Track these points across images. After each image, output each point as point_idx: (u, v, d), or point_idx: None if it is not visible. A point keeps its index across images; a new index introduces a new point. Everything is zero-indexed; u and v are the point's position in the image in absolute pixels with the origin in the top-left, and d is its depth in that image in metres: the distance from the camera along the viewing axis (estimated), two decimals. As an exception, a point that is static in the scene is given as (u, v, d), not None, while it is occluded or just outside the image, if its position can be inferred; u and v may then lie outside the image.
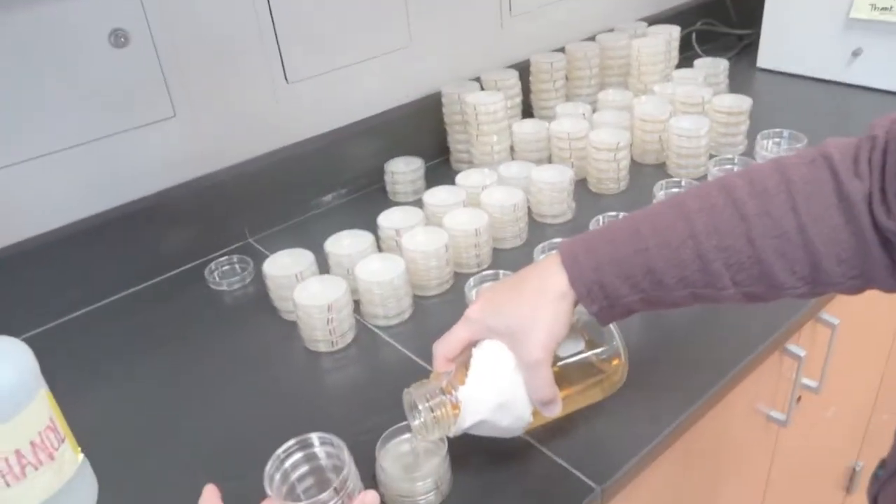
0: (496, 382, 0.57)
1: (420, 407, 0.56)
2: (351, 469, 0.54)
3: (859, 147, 0.51)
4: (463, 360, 0.59)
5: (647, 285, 0.54)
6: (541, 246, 0.86)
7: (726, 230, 0.52)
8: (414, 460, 0.60)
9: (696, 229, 0.53)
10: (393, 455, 0.61)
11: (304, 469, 0.56)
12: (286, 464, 0.55)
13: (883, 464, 0.30)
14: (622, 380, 0.63)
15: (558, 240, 0.87)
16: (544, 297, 0.56)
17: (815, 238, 0.50)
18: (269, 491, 0.52)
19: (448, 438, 0.59)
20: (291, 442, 0.55)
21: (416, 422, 0.57)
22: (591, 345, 0.61)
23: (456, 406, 0.56)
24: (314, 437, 0.56)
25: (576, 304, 0.57)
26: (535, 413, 0.58)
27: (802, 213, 0.50)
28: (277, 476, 0.54)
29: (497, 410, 0.56)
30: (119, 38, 0.84)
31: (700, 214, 0.53)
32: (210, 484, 0.52)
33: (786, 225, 0.51)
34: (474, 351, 0.58)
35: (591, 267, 0.55)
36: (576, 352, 0.60)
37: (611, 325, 0.61)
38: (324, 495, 0.51)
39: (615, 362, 0.62)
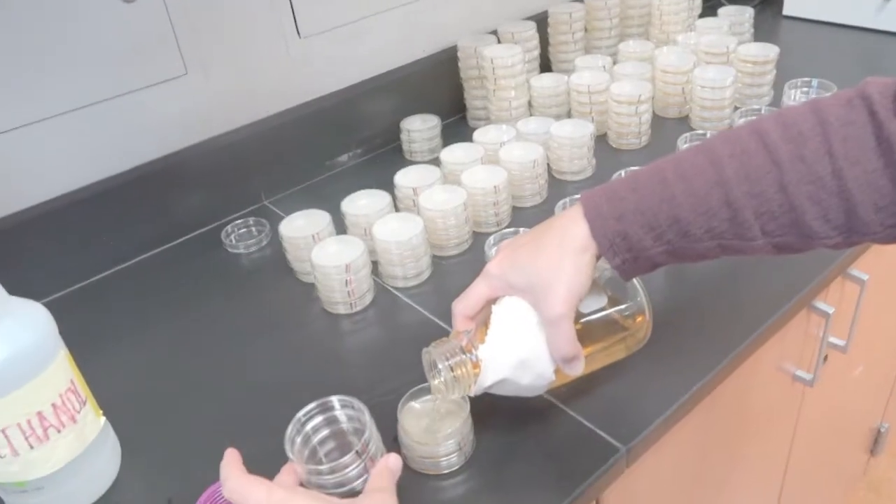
0: (517, 340, 0.55)
1: (440, 366, 0.55)
2: (372, 432, 0.53)
3: None
4: (483, 317, 0.58)
5: (673, 236, 0.52)
6: (561, 203, 0.84)
7: (757, 176, 0.49)
8: (435, 421, 0.59)
9: (726, 175, 0.50)
10: (415, 416, 0.60)
11: (325, 432, 0.56)
12: (307, 427, 0.55)
13: None
14: (646, 337, 0.61)
15: (578, 196, 0.85)
16: (565, 251, 0.54)
17: (851, 183, 0.47)
18: (290, 454, 0.52)
19: (470, 399, 0.58)
20: (312, 405, 0.55)
21: (436, 381, 0.56)
22: (613, 301, 0.59)
23: (476, 365, 0.55)
24: (335, 399, 0.55)
25: (598, 257, 0.55)
26: (557, 371, 0.56)
27: (839, 157, 0.48)
28: (298, 439, 0.54)
29: (518, 368, 0.55)
30: (127, -6, 0.82)
31: (730, 160, 0.50)
32: (231, 448, 0.51)
33: (820, 170, 0.48)
34: (494, 308, 0.57)
35: (614, 217, 0.53)
36: (598, 308, 0.59)
37: (634, 281, 0.60)
38: (345, 458, 0.50)
39: (639, 319, 0.60)
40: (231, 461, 0.49)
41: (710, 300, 0.74)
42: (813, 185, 0.48)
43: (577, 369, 0.56)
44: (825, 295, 0.84)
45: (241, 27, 0.92)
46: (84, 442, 0.58)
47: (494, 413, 0.61)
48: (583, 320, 0.57)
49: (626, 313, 0.60)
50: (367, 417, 0.54)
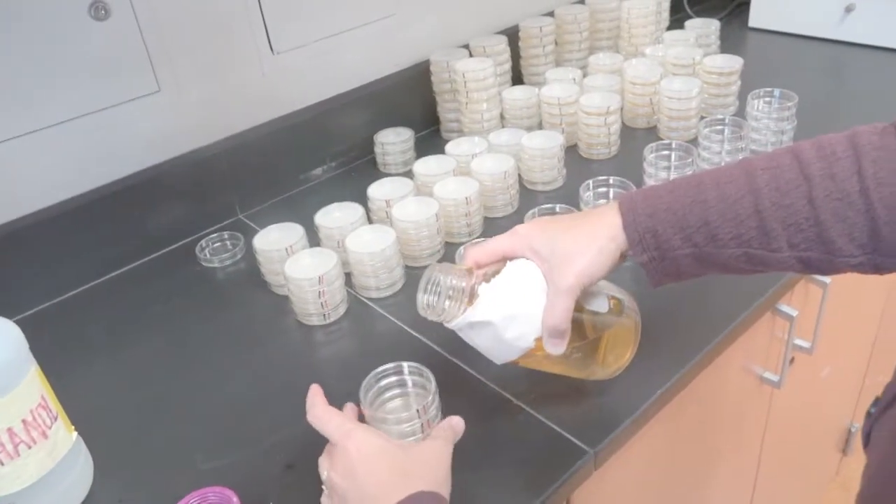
0: (518, 294, 0.57)
1: (441, 281, 0.57)
2: (435, 398, 0.58)
3: None
4: (492, 270, 0.59)
5: (701, 239, 0.54)
6: (530, 212, 0.86)
7: (787, 188, 0.52)
8: (403, 404, 0.62)
9: (758, 185, 0.52)
10: (380, 401, 0.63)
11: (395, 391, 0.62)
12: (381, 382, 0.61)
13: (876, 401, 0.30)
14: (615, 374, 0.63)
15: (548, 206, 0.86)
16: (595, 234, 0.56)
17: (876, 203, 0.49)
18: (362, 401, 0.58)
19: (440, 401, 0.59)
20: (388, 365, 0.61)
21: (428, 297, 0.58)
22: (613, 313, 0.61)
23: (472, 299, 0.57)
24: (405, 365, 0.61)
25: (624, 254, 0.57)
26: (536, 345, 0.57)
27: (867, 177, 0.50)
28: (371, 391, 0.60)
29: (507, 319, 0.56)
30: (99, 11, 0.82)
31: (764, 172, 0.53)
32: (315, 384, 0.58)
33: (849, 188, 0.50)
34: (508, 263, 0.59)
35: (647, 213, 0.55)
36: (599, 311, 0.60)
37: (635, 316, 0.61)
38: (405, 414, 0.57)
39: (618, 352, 0.61)
40: (316, 393, 0.57)
41: (675, 305, 0.75)
42: (840, 202, 0.50)
43: (558, 348, 0.57)
44: (789, 298, 0.86)
45: (215, 44, 0.93)
46: (55, 458, 0.58)
47: (465, 418, 0.62)
48: (579, 312, 0.58)
49: (615, 327, 0.61)
50: (432, 384, 0.58)
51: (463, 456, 0.60)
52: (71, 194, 0.87)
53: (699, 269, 0.56)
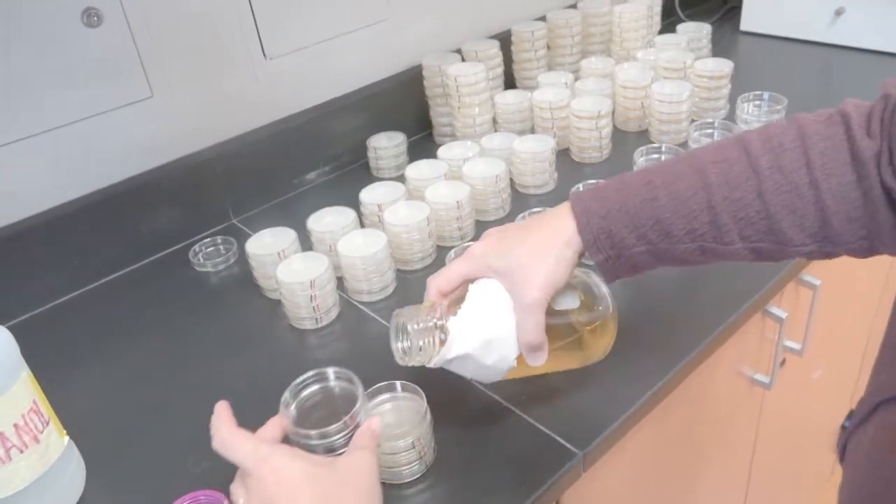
0: (488, 319, 0.56)
1: (409, 329, 0.56)
2: (363, 405, 0.55)
3: (874, 106, 0.51)
4: (457, 296, 0.59)
5: (655, 236, 0.54)
6: (521, 216, 0.86)
7: (737, 182, 0.52)
8: (396, 421, 0.61)
9: (708, 181, 0.53)
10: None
11: (318, 398, 0.58)
12: (303, 393, 0.58)
13: (851, 415, 0.31)
14: (608, 349, 0.63)
15: (539, 209, 0.87)
16: (550, 242, 0.56)
17: (825, 194, 0.50)
18: (283, 415, 0.54)
19: (430, 407, 0.59)
20: (310, 373, 0.58)
21: (401, 344, 0.57)
22: (586, 306, 0.61)
23: (443, 339, 0.56)
24: (330, 371, 0.58)
25: (581, 254, 0.57)
26: (519, 360, 0.57)
27: (815, 169, 0.50)
28: (293, 403, 0.57)
29: (483, 347, 0.56)
30: (92, 18, 0.83)
31: (713, 167, 0.53)
32: (222, 400, 0.54)
33: (797, 180, 0.51)
34: (471, 287, 0.58)
35: (600, 215, 0.55)
36: (570, 308, 0.60)
37: (607, 295, 0.61)
38: (334, 426, 0.53)
39: (605, 328, 0.62)
40: (222, 415, 0.52)
41: (665, 307, 0.76)
42: (789, 194, 0.51)
43: (539, 360, 0.57)
44: (779, 300, 0.87)
45: (207, 49, 0.94)
46: (47, 462, 0.58)
47: (454, 422, 0.63)
48: (553, 316, 0.58)
49: (595, 324, 0.62)
50: (360, 390, 0.56)
51: (451, 459, 0.61)
52: (64, 199, 0.88)
53: (655, 263, 0.57)
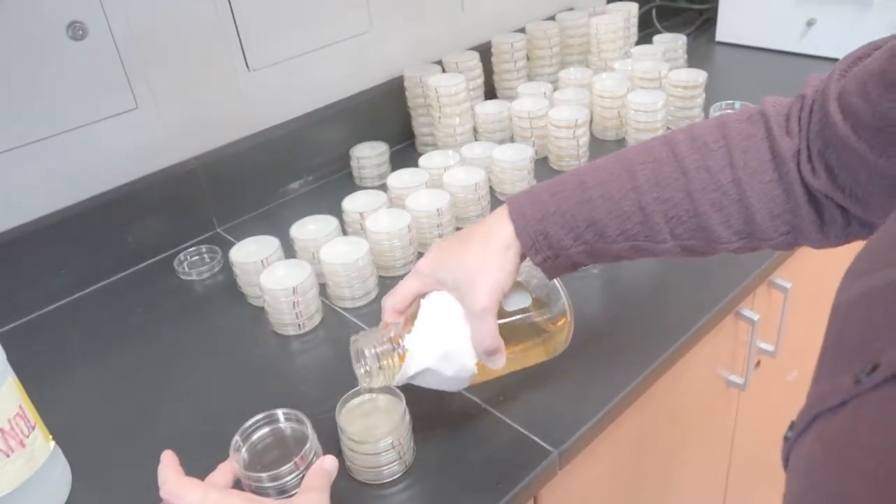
0: (442, 332, 0.58)
1: (367, 353, 0.57)
2: (314, 444, 0.56)
3: (792, 105, 0.53)
4: (412, 312, 0.60)
5: (590, 237, 0.56)
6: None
7: (667, 182, 0.54)
8: (375, 422, 0.62)
9: (639, 182, 0.54)
10: (353, 417, 0.63)
11: (269, 441, 0.58)
12: (253, 437, 0.58)
13: (792, 426, 0.32)
14: (567, 340, 0.64)
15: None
16: (491, 248, 0.57)
17: (749, 192, 0.52)
18: (234, 460, 0.54)
19: (408, 406, 0.61)
20: (259, 416, 0.58)
21: (362, 370, 0.58)
22: (538, 303, 0.63)
23: (402, 355, 0.58)
24: (279, 412, 0.58)
25: (522, 256, 0.58)
26: (479, 366, 0.59)
27: (738, 168, 0.52)
28: (244, 447, 0.57)
29: (442, 360, 0.58)
30: (77, 31, 0.84)
31: (643, 167, 0.55)
32: (168, 450, 0.53)
33: (722, 179, 0.52)
34: (422, 302, 0.60)
35: (536, 218, 0.57)
36: (522, 308, 0.62)
37: (558, 287, 0.63)
38: (285, 468, 0.53)
39: (561, 322, 0.63)
40: (168, 464, 0.51)
41: (639, 307, 0.78)
42: (715, 193, 0.53)
43: (498, 363, 0.59)
44: (751, 302, 0.89)
45: (191, 61, 0.95)
46: (33, 466, 0.59)
47: (433, 423, 0.64)
48: (505, 319, 0.60)
49: (549, 315, 0.63)
50: (309, 430, 0.56)
51: (429, 459, 0.62)
52: (50, 210, 0.89)
53: (592, 261, 0.59)
